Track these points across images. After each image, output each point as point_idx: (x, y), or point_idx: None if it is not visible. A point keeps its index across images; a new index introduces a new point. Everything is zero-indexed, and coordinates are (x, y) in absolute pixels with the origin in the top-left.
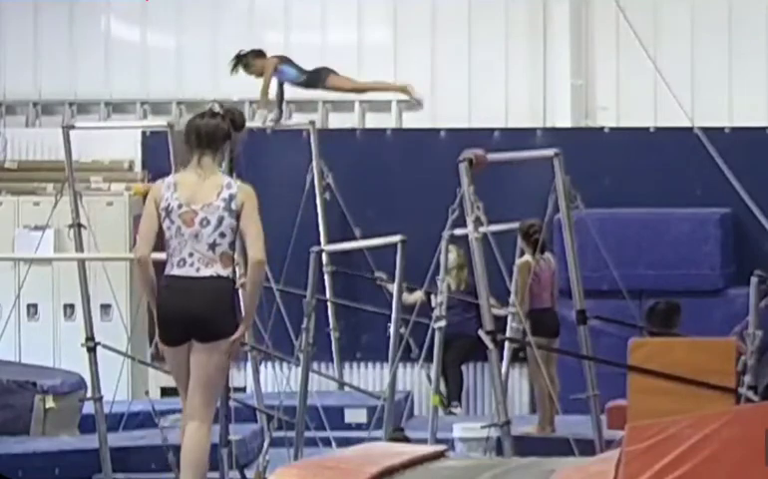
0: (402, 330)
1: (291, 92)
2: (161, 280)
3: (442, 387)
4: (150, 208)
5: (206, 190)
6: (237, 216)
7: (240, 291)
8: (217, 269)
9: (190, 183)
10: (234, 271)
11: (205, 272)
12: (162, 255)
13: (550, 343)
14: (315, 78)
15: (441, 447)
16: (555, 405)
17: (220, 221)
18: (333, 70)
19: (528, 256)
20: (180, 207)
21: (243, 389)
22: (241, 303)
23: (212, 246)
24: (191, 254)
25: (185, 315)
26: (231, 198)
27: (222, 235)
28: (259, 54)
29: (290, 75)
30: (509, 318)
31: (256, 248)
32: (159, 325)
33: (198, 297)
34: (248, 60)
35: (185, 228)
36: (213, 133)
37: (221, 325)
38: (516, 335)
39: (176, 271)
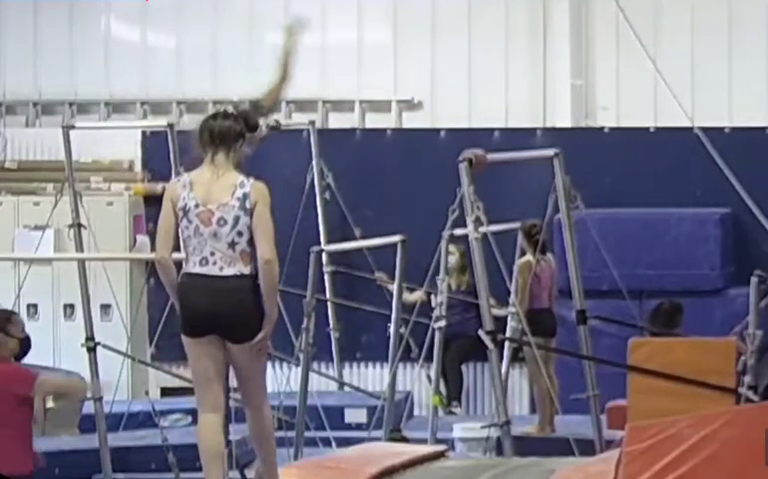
0: (402, 330)
1: (291, 91)
2: (180, 277)
3: (442, 387)
4: (167, 207)
5: (221, 189)
6: (252, 213)
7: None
8: (240, 268)
9: (204, 181)
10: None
11: (229, 271)
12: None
13: (547, 343)
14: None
15: (441, 447)
16: (554, 405)
17: (237, 220)
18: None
19: (529, 256)
20: (196, 206)
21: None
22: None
23: (232, 245)
24: (212, 253)
25: (211, 314)
26: (245, 196)
27: (240, 233)
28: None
29: None
30: (509, 318)
31: (265, 248)
32: (182, 320)
33: (225, 298)
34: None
35: (203, 227)
36: (227, 132)
37: (252, 325)
38: (515, 335)
39: (197, 269)
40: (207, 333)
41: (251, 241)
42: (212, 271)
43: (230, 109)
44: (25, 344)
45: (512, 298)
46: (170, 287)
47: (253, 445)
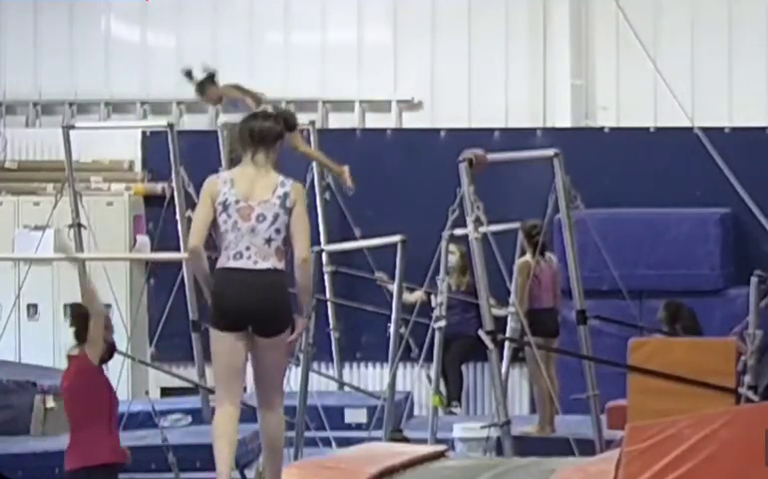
0: (402, 330)
1: (291, 91)
2: (215, 271)
3: (442, 387)
4: (205, 201)
5: (262, 187)
6: (290, 212)
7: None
8: (274, 263)
9: (245, 179)
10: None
11: (263, 265)
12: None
13: (548, 343)
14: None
15: (441, 447)
16: (555, 405)
17: (276, 217)
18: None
19: (527, 256)
20: (237, 202)
21: (244, 389)
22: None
23: (268, 241)
24: (247, 248)
25: (245, 307)
26: (286, 196)
27: (278, 230)
28: (211, 80)
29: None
30: (509, 318)
31: (302, 247)
32: (215, 313)
33: (258, 290)
34: (203, 86)
35: (241, 222)
36: (267, 133)
37: (283, 319)
38: (514, 335)
39: (232, 263)
40: (239, 328)
41: (286, 240)
42: (247, 265)
43: (270, 109)
44: (111, 350)
45: (512, 299)
46: (201, 276)
47: (262, 447)
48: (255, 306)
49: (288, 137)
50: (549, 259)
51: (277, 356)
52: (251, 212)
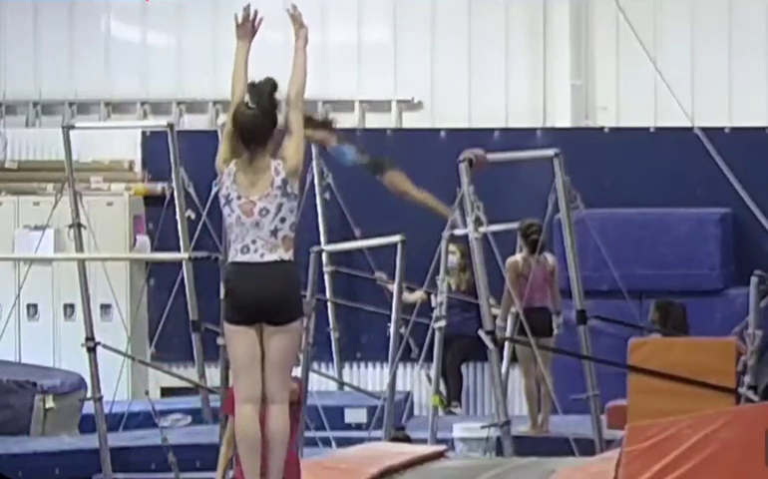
0: (402, 330)
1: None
2: (226, 266)
3: (442, 387)
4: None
5: (262, 180)
6: (294, 196)
7: None
8: (281, 254)
9: (245, 175)
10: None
11: (270, 258)
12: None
13: (541, 343)
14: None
15: (441, 447)
16: (548, 404)
17: (279, 207)
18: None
19: (517, 256)
20: (239, 198)
21: None
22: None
23: (274, 233)
24: (254, 241)
25: (255, 300)
26: (285, 182)
27: (283, 219)
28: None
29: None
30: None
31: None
32: (228, 309)
33: (267, 283)
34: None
35: (244, 217)
36: (260, 133)
37: (292, 309)
38: (502, 334)
39: (240, 258)
40: (252, 322)
41: (293, 226)
42: (254, 258)
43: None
44: None
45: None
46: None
47: (264, 441)
48: (265, 299)
49: (390, 177)
50: (543, 259)
51: (285, 345)
52: (253, 207)
